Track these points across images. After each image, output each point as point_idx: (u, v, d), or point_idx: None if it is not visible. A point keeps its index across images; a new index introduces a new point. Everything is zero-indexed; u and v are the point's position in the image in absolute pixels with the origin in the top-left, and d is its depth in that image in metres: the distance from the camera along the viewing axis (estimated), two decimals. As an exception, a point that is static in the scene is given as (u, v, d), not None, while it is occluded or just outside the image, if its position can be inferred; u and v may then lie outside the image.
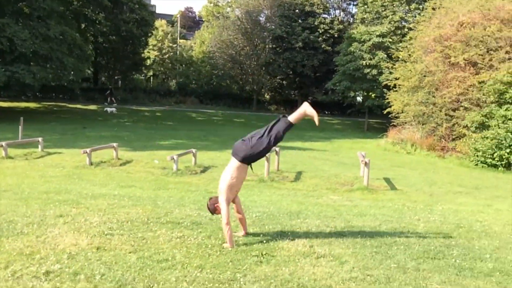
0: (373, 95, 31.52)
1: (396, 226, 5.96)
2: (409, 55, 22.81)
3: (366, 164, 10.76)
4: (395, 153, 20.25)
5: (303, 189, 10.55)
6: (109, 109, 31.64)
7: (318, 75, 39.17)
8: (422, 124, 20.62)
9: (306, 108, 4.57)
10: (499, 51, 17.95)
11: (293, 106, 45.87)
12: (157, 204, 6.66)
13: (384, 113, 23.98)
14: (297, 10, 38.22)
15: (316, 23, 37.25)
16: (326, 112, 45.12)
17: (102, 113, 30.98)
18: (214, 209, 4.66)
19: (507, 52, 17.79)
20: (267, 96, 43.24)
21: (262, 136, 4.49)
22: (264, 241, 4.74)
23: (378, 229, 5.73)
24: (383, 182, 11.95)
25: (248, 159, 4.52)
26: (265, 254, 4.29)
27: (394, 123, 22.82)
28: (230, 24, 38.83)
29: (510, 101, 16.44)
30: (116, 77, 41.15)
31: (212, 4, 46.39)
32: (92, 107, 33.61)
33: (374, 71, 29.96)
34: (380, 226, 5.90)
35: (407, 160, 17.72)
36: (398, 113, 22.24)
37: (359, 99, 34.70)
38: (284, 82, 41.17)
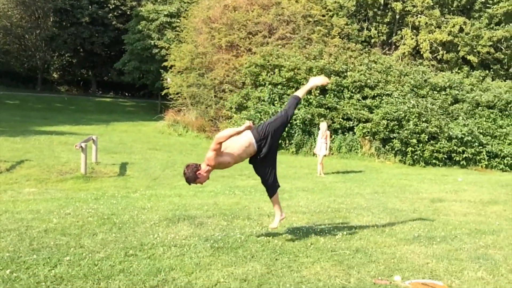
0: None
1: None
2: (185, 35, 22.58)
3: (82, 149, 9.69)
4: (168, 135, 19.83)
5: None
6: None
7: (112, 54, 36.88)
8: (195, 106, 20.64)
9: (313, 84, 4.79)
10: (257, 35, 18.80)
11: (87, 86, 42.35)
12: None
13: (162, 94, 23.45)
14: (84, -18, 34.98)
15: (105, -3, 34.76)
16: (126, 94, 43.14)
17: None
18: (195, 177, 4.26)
19: (264, 37, 18.75)
20: (56, 75, 39.04)
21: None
22: None
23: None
24: (115, 168, 11.08)
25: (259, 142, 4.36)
26: None
27: (173, 105, 22.45)
28: (3, -9, 33.44)
29: (264, 83, 17.36)
30: None
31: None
32: None
33: (164, 52, 29.22)
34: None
35: (172, 142, 17.36)
36: (175, 95, 21.88)
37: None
38: (73, 60, 37.62)
